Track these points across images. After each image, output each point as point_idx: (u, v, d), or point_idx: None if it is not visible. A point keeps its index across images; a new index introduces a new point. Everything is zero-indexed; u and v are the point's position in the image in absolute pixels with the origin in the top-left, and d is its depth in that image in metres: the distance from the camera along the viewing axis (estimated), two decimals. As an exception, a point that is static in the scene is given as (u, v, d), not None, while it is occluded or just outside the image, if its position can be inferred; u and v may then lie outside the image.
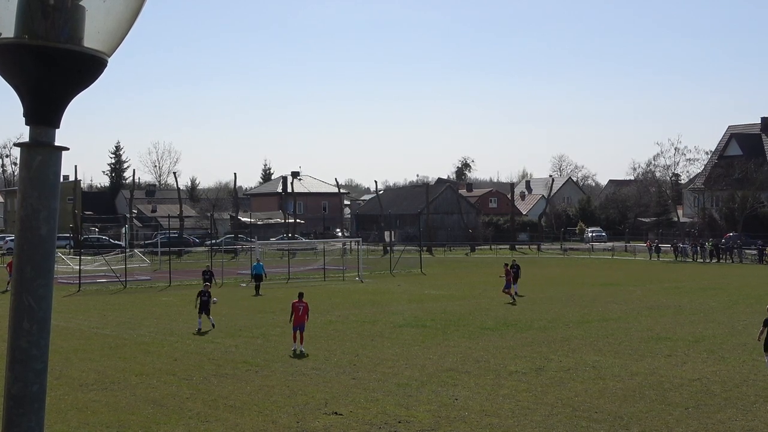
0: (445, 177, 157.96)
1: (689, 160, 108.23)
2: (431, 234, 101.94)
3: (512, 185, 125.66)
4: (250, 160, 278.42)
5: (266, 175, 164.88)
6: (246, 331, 31.29)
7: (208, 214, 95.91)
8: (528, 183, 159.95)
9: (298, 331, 26.13)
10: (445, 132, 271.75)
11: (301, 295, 27.41)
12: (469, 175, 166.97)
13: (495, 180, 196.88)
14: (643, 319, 34.59)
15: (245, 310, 38.51)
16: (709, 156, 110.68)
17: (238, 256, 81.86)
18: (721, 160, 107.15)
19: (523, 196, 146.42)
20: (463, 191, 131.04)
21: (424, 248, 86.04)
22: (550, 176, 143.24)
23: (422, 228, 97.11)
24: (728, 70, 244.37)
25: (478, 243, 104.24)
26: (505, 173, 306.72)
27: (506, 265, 44.03)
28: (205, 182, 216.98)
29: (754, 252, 77.49)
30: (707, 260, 77.76)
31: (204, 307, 31.32)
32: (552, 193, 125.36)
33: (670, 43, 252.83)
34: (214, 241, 79.47)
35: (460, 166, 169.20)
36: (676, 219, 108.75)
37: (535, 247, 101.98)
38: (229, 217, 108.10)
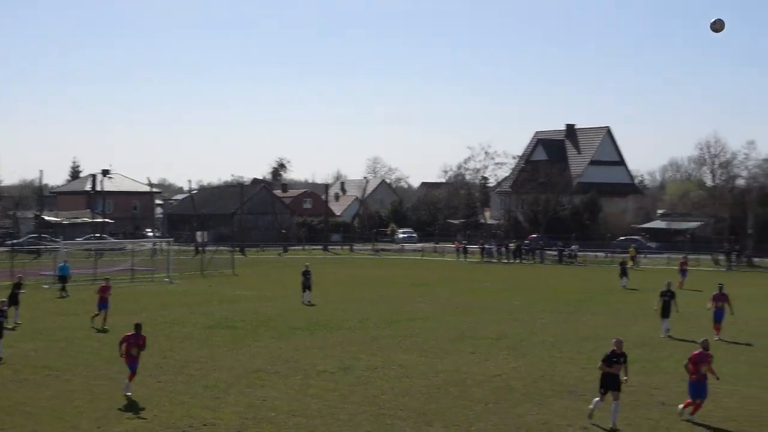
0: (261, 177, 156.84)
1: (498, 164, 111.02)
2: (245, 234, 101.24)
3: (327, 186, 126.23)
4: (57, 157, 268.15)
5: (74, 173, 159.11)
6: (48, 334, 30.14)
7: (10, 213, 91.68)
8: (342, 184, 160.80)
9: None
10: (263, 132, 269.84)
11: (138, 327, 20.70)
12: (285, 175, 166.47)
13: (311, 181, 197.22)
14: (449, 319, 35.61)
15: (48, 313, 37.01)
16: (517, 160, 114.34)
17: (41, 257, 78.61)
18: (527, 164, 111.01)
19: (337, 197, 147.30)
20: (278, 192, 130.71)
21: (237, 249, 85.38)
22: (365, 178, 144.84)
23: (235, 228, 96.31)
24: (538, 76, 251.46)
25: (291, 244, 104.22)
26: (321, 174, 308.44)
27: (107, 279, 36.89)
28: (8, 179, 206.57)
29: (555, 253, 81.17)
30: (511, 260, 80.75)
31: None
32: (366, 195, 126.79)
33: (490, 50, 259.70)
34: (15, 241, 75.98)
35: (275, 166, 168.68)
36: (483, 221, 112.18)
37: (348, 247, 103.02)
38: (33, 215, 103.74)
